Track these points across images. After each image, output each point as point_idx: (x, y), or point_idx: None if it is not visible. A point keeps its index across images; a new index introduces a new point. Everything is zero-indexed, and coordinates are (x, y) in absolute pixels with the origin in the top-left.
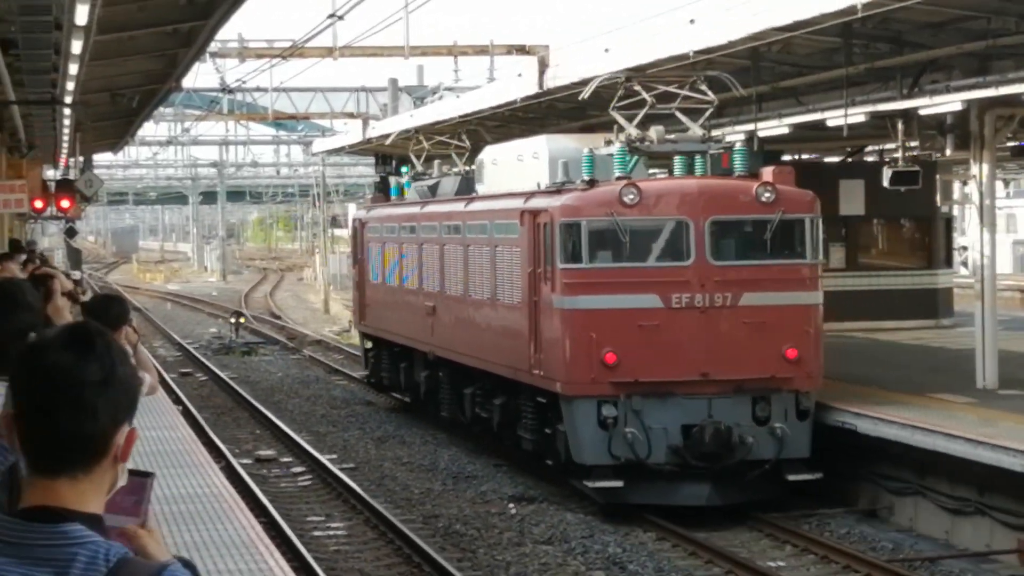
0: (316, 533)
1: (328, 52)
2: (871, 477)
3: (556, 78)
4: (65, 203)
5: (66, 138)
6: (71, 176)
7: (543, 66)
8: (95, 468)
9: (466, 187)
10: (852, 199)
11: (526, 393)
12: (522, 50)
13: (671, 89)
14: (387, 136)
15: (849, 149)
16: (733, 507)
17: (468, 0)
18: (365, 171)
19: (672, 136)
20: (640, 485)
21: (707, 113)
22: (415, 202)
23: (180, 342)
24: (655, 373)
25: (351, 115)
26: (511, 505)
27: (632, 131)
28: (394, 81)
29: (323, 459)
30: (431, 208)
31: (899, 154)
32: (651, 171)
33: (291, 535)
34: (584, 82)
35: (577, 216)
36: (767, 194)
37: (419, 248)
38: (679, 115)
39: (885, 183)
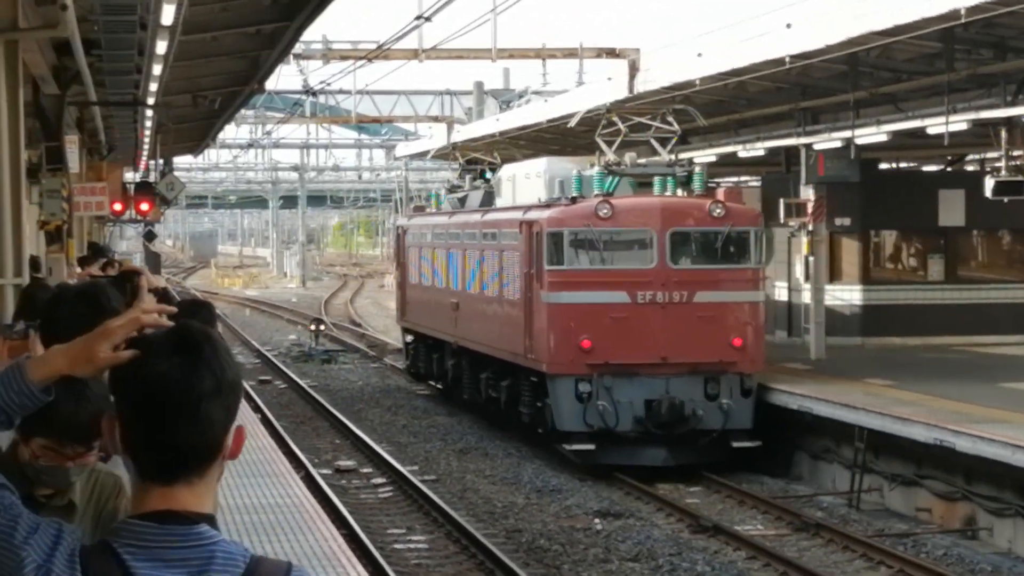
0: (397, 546)
1: (413, 54)
2: (968, 496)
3: (647, 82)
4: (145, 206)
5: (147, 140)
6: (151, 179)
7: (633, 70)
8: (209, 470)
9: (488, 200)
10: (952, 209)
11: (524, 374)
12: (612, 53)
13: (643, 120)
14: (472, 141)
15: (949, 158)
16: (689, 467)
17: (557, 1)
18: (449, 176)
19: (643, 160)
20: (610, 449)
21: (673, 141)
22: (446, 212)
23: (259, 348)
24: (623, 356)
25: (435, 119)
26: (596, 520)
27: (610, 156)
28: (479, 84)
29: (404, 470)
30: (457, 218)
31: (1002, 163)
32: (639, 189)
33: (372, 548)
34: (675, 87)
35: (560, 226)
36: (718, 210)
37: (447, 252)
38: (653, 142)
39: (987, 193)
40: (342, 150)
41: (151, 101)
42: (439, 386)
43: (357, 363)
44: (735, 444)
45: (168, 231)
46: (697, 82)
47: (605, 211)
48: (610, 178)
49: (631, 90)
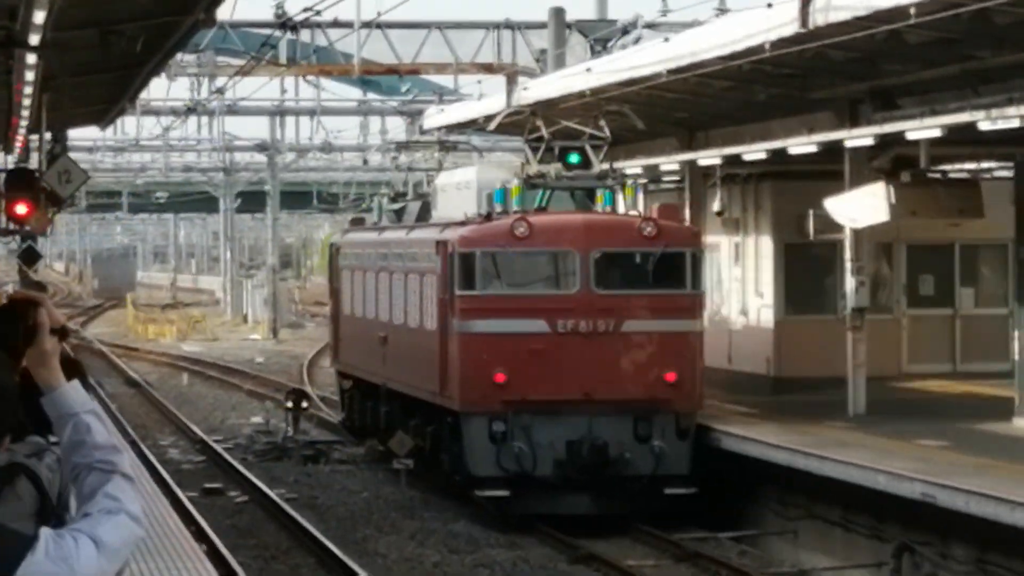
0: None
1: None
2: None
3: (830, 9)
4: (21, 208)
5: (27, 102)
6: (33, 165)
7: None
8: None
9: (424, 213)
10: None
11: (443, 416)
12: None
13: (571, 124)
14: (545, 103)
15: None
16: (618, 517)
17: None
18: (512, 158)
19: (571, 173)
20: (528, 496)
21: (604, 149)
22: (379, 227)
23: (203, 438)
24: (541, 392)
25: (488, 68)
26: None
27: (533, 166)
28: (559, 12)
29: None
30: (386, 235)
31: None
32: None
33: None
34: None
35: (472, 247)
36: (649, 228)
37: (376, 276)
38: (588, 149)
39: None
40: (338, 118)
41: (34, 39)
42: (381, 448)
43: (361, 462)
44: (668, 491)
45: (58, 248)
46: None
47: (522, 229)
48: (541, 191)
49: (804, 23)
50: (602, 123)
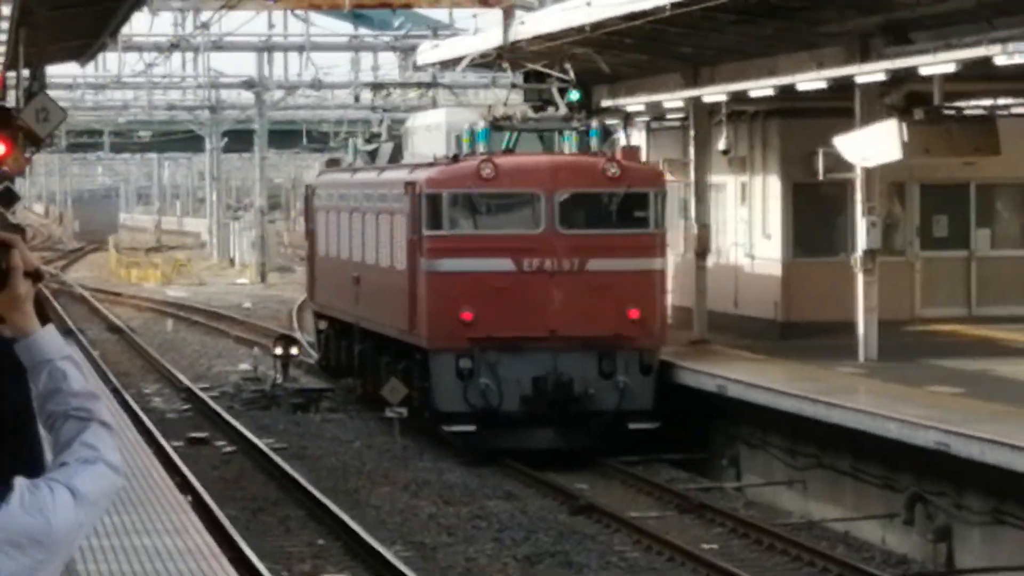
0: None
1: None
2: None
3: None
4: None
5: (3, 38)
6: (10, 103)
7: None
8: None
9: (397, 154)
10: None
11: (413, 354)
12: None
13: (538, 68)
14: (544, 40)
15: None
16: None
17: None
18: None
19: (537, 115)
20: (494, 431)
21: (571, 91)
22: (352, 169)
23: (189, 386)
24: (507, 330)
25: (484, 1)
26: None
27: (499, 109)
28: None
29: None
30: (359, 176)
31: None
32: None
33: None
34: None
35: (439, 187)
36: (613, 169)
37: (349, 217)
38: (554, 92)
39: None
40: (327, 54)
41: None
42: (356, 384)
43: (352, 411)
44: (632, 426)
45: (38, 190)
46: None
47: (488, 171)
48: (513, 134)
49: None
50: (567, 66)
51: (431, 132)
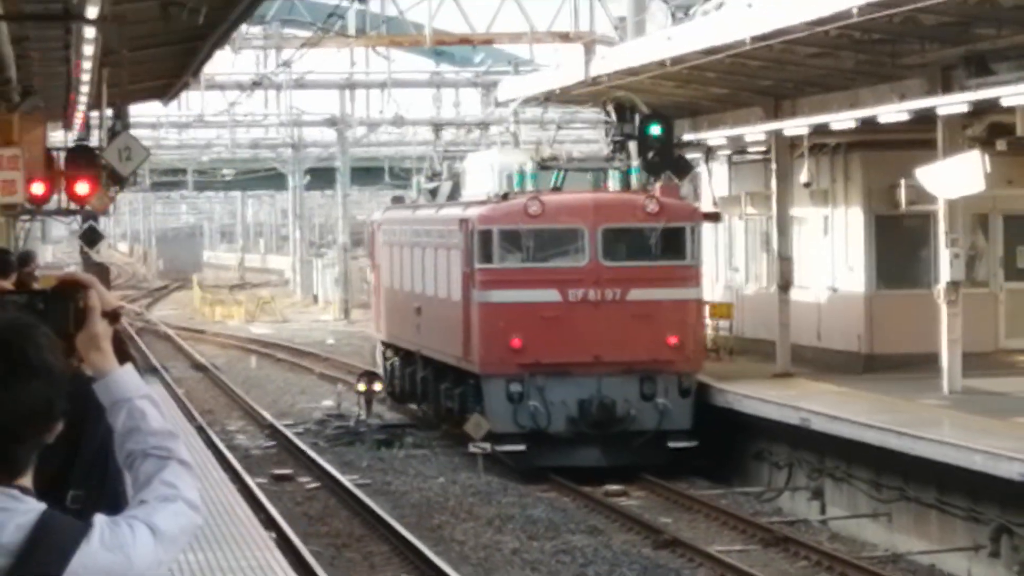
0: None
1: None
2: None
3: None
4: (83, 187)
5: (87, 77)
6: (93, 142)
7: None
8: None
9: (455, 192)
10: None
11: (467, 380)
12: None
13: (580, 111)
14: (624, 73)
15: None
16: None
17: None
18: (590, 134)
19: (578, 155)
20: (543, 450)
21: (612, 132)
22: (414, 206)
23: (272, 423)
24: (555, 356)
25: (564, 36)
26: None
27: (546, 150)
28: None
29: None
30: (419, 213)
31: None
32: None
33: None
34: None
35: (490, 224)
36: (652, 205)
37: (411, 251)
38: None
39: None
40: (410, 90)
41: (92, 12)
42: (419, 409)
43: (437, 447)
44: (672, 444)
45: (122, 229)
46: None
47: (535, 208)
48: (560, 172)
49: None
50: (609, 108)
51: (484, 171)
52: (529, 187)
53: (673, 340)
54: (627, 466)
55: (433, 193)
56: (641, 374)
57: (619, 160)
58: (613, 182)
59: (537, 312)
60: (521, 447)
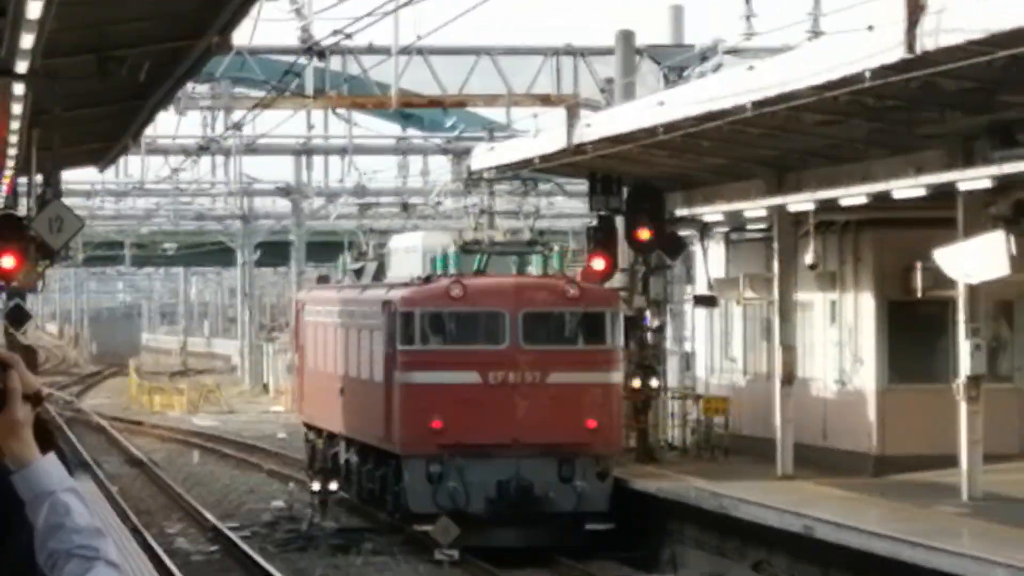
0: None
1: None
2: None
3: (940, 31)
4: (8, 261)
5: (14, 139)
6: (21, 211)
7: (916, 10)
8: None
9: (380, 273)
10: None
11: (389, 460)
12: None
13: (508, 192)
14: (611, 140)
15: None
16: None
17: None
18: (576, 206)
19: (503, 239)
20: (462, 530)
21: (534, 216)
22: (339, 286)
23: (216, 525)
24: (474, 437)
25: (545, 99)
26: None
27: (468, 233)
28: (627, 36)
29: None
30: (344, 293)
31: None
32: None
33: None
34: None
35: (412, 306)
36: (572, 290)
37: (336, 332)
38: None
39: None
40: (372, 157)
41: (21, 67)
42: (340, 492)
43: (399, 552)
44: (589, 526)
45: (51, 308)
46: None
47: (457, 291)
48: (479, 256)
49: (911, 46)
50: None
51: (408, 253)
52: (452, 270)
53: (591, 423)
54: (544, 548)
55: (358, 273)
56: (559, 456)
57: (540, 245)
58: (535, 266)
59: (458, 393)
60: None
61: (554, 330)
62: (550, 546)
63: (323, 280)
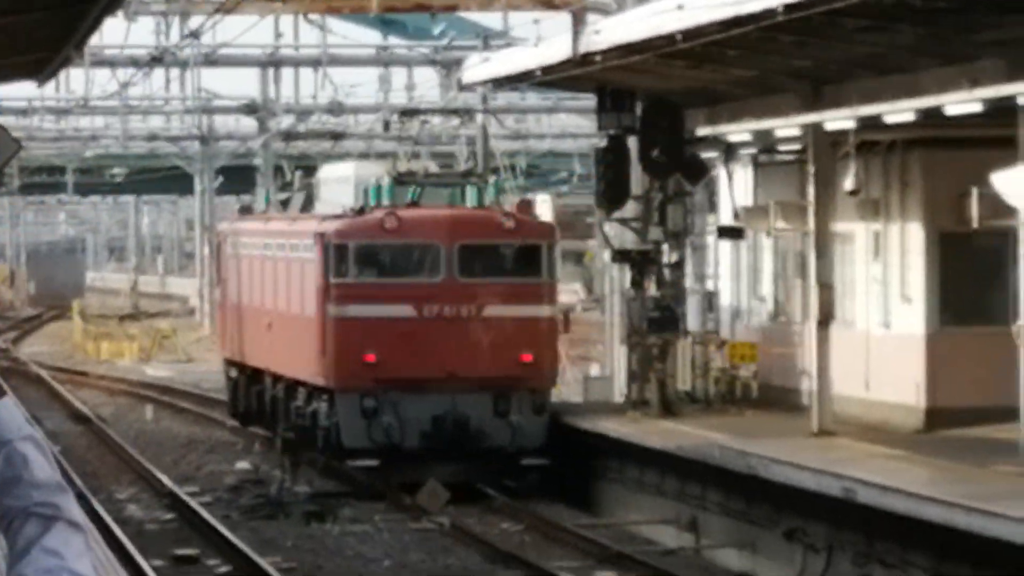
0: None
1: None
2: None
3: None
4: None
5: None
6: None
7: None
8: None
9: (308, 204)
10: None
11: (322, 396)
12: None
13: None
14: (623, 49)
15: None
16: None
17: None
18: (579, 122)
19: (437, 171)
20: (396, 466)
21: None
22: (264, 217)
23: (173, 489)
24: (409, 371)
25: (548, 2)
26: None
27: (402, 164)
28: None
29: None
30: (271, 225)
31: None
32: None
33: None
34: None
35: (345, 238)
36: (509, 223)
37: (262, 265)
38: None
39: None
40: (349, 69)
41: None
42: (270, 436)
43: (381, 520)
44: (524, 462)
45: None
46: None
47: (391, 223)
48: (413, 187)
49: None
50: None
51: (340, 184)
52: (385, 201)
53: (527, 357)
54: (480, 483)
55: (285, 204)
56: (494, 391)
57: (476, 176)
58: (470, 198)
59: (392, 327)
60: (374, 462)
61: (490, 263)
62: (486, 481)
63: (246, 210)
